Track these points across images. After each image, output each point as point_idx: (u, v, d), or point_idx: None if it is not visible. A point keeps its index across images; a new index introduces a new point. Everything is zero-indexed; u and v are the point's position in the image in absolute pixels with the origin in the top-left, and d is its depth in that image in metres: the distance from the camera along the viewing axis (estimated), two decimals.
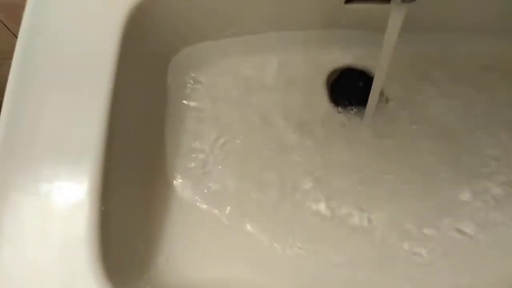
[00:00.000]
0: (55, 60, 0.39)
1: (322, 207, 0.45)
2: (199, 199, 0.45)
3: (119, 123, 0.38)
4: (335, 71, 0.49)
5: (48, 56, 0.39)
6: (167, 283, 0.40)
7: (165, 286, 0.39)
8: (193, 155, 0.46)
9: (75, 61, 0.39)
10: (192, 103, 0.48)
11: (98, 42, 0.39)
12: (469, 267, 0.43)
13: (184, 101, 0.48)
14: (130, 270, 0.37)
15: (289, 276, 0.43)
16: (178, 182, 0.45)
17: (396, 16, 0.36)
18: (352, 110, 0.48)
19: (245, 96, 0.49)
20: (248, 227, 0.44)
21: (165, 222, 0.43)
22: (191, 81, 0.49)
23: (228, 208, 0.45)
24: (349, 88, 0.49)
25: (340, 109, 0.48)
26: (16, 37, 0.44)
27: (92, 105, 0.37)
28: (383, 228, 0.44)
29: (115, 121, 0.37)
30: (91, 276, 0.33)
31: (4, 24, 0.77)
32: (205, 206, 0.45)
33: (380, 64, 0.40)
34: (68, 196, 0.35)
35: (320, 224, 0.44)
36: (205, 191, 0.45)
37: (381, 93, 0.45)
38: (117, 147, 0.38)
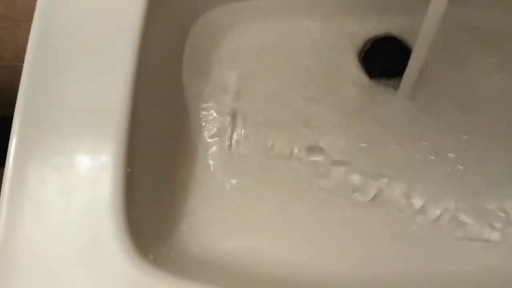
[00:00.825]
0: (76, 22, 0.37)
1: (347, 181, 0.43)
2: (223, 168, 0.44)
3: (144, 84, 0.37)
4: (369, 39, 0.47)
5: (69, 18, 0.37)
6: (190, 250, 0.39)
7: (188, 254, 0.38)
8: (220, 124, 0.45)
9: (98, 22, 0.37)
10: (216, 69, 0.47)
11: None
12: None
13: (207, 67, 0.47)
14: (154, 235, 0.37)
15: (313, 249, 0.42)
16: (203, 149, 0.44)
17: None
18: (386, 82, 0.46)
19: (270, 63, 0.47)
20: (273, 200, 0.43)
21: (189, 190, 0.42)
22: (215, 44, 0.47)
23: (253, 180, 0.43)
24: (384, 59, 0.47)
25: (373, 80, 0.46)
26: None
27: (117, 66, 0.36)
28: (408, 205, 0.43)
29: (140, 82, 0.36)
30: (116, 239, 0.32)
31: None
32: (229, 175, 0.44)
33: (422, 35, 0.38)
34: (93, 157, 0.34)
35: (341, 199, 0.43)
36: (230, 160, 0.44)
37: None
38: (142, 109, 0.37)
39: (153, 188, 0.39)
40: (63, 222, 0.33)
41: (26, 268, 0.32)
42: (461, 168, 0.43)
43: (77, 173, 0.34)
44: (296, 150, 0.44)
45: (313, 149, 0.44)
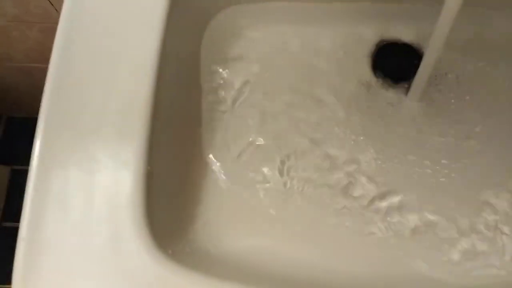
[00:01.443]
0: (99, 26, 0.38)
1: (356, 185, 0.44)
2: (235, 169, 0.44)
3: (164, 86, 0.38)
4: (381, 43, 0.48)
5: (92, 23, 0.38)
6: (204, 247, 0.40)
7: (203, 251, 0.39)
8: (234, 127, 0.46)
9: (120, 26, 0.39)
10: (230, 71, 0.48)
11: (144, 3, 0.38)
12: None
13: (222, 67, 0.48)
14: (171, 232, 0.38)
15: (328, 248, 0.43)
16: (218, 150, 0.45)
17: None
18: (397, 85, 0.47)
19: (285, 66, 0.48)
20: (284, 201, 0.44)
21: (202, 188, 0.43)
22: (231, 44, 0.48)
23: (265, 179, 0.44)
24: (395, 62, 0.48)
25: (384, 83, 0.47)
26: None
27: (138, 68, 0.37)
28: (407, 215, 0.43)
29: (160, 84, 0.37)
30: (136, 234, 0.33)
31: None
32: (241, 175, 0.44)
33: (433, 41, 0.39)
34: (114, 155, 0.35)
35: (351, 204, 0.44)
36: (243, 160, 0.45)
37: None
38: (161, 110, 0.38)
39: (171, 186, 0.40)
40: (85, 218, 0.34)
41: (49, 262, 0.33)
42: (470, 174, 0.44)
43: (99, 171, 0.35)
44: (306, 153, 0.45)
45: (322, 151, 0.45)
